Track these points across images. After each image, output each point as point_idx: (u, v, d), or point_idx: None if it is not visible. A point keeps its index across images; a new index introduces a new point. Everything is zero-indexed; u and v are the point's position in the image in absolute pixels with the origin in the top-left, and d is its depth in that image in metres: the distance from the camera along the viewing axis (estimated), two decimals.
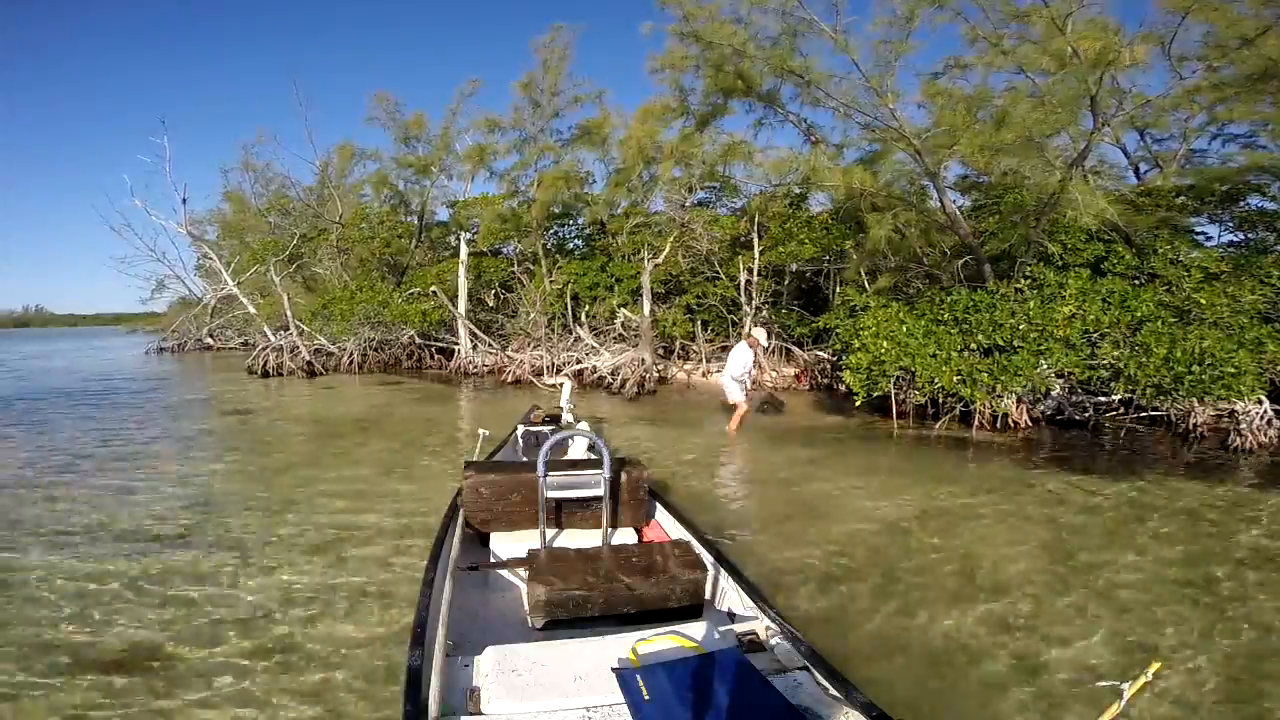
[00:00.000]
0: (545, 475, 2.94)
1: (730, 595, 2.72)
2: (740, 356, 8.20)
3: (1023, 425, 8.18)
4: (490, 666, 2.02)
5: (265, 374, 15.66)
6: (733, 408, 8.33)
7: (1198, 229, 10.99)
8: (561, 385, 6.61)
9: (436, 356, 17.40)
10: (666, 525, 3.51)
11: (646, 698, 1.88)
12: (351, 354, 16.81)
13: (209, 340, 26.36)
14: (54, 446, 7.69)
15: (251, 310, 19.56)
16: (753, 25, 9.68)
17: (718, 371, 14.02)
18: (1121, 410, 8.49)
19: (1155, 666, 1.55)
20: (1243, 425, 7.24)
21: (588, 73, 30.28)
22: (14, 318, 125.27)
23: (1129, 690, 1.51)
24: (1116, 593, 3.64)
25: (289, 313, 17.05)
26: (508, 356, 14.84)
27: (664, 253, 13.77)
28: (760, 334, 8.53)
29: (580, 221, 18.49)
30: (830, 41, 8.92)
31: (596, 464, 3.09)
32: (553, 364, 13.92)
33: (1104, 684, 1.63)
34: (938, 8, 8.69)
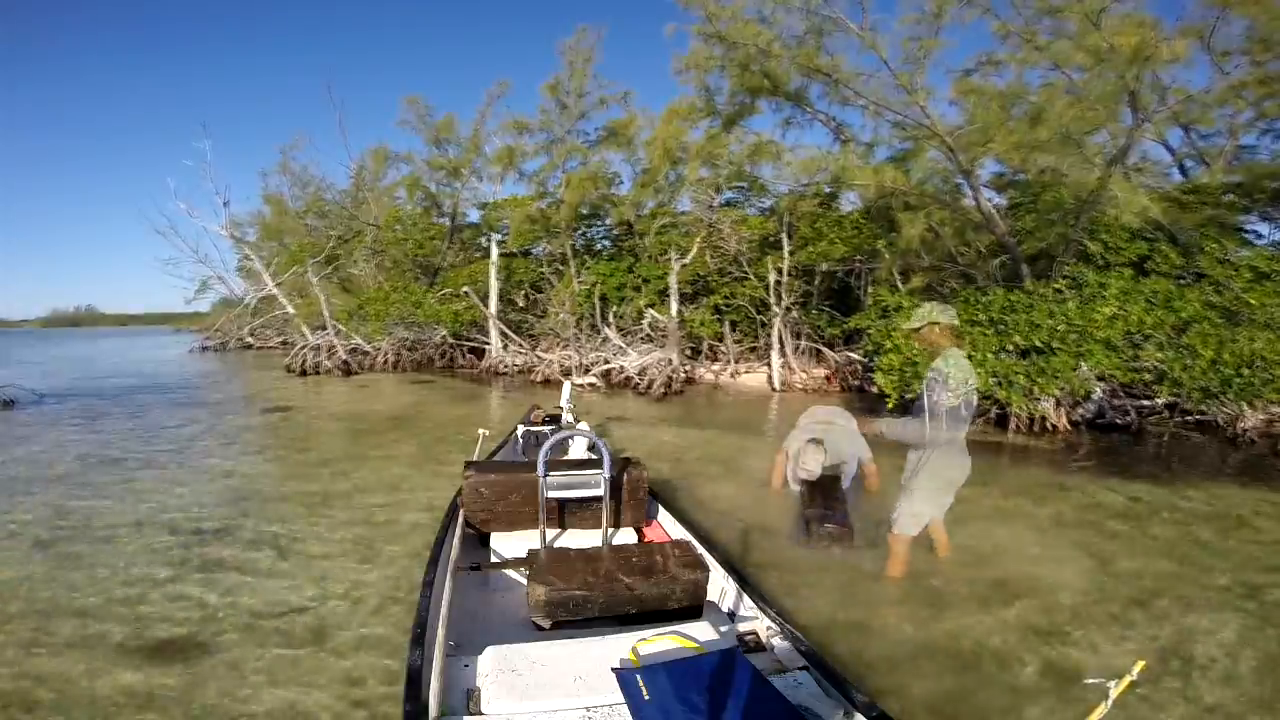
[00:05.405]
0: (545, 475, 2.95)
1: (730, 595, 2.71)
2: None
3: (1061, 429, 7.95)
4: (490, 666, 2.02)
5: (303, 372, 16.09)
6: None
7: (1247, 227, 10.56)
8: (577, 386, 6.57)
9: (468, 356, 17.65)
10: (667, 525, 3.51)
11: (646, 698, 1.88)
12: (386, 353, 17.15)
13: (250, 339, 27.17)
14: (103, 440, 8.02)
15: (290, 310, 20.11)
16: (777, 24, 9.63)
17: (747, 372, 13.90)
18: (1166, 414, 8.18)
19: (1140, 665, 1.50)
20: None
21: (613, 74, 30.31)
22: (67, 317, 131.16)
23: (1114, 689, 1.47)
24: (1155, 601, 3.52)
25: (326, 313, 17.48)
26: (537, 356, 14.98)
27: (691, 253, 13.74)
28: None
29: (608, 222, 18.56)
30: (857, 39, 8.81)
31: (597, 464, 3.07)
32: (581, 364, 14.00)
33: (1090, 681, 1.58)
34: (967, 4, 8.52)
